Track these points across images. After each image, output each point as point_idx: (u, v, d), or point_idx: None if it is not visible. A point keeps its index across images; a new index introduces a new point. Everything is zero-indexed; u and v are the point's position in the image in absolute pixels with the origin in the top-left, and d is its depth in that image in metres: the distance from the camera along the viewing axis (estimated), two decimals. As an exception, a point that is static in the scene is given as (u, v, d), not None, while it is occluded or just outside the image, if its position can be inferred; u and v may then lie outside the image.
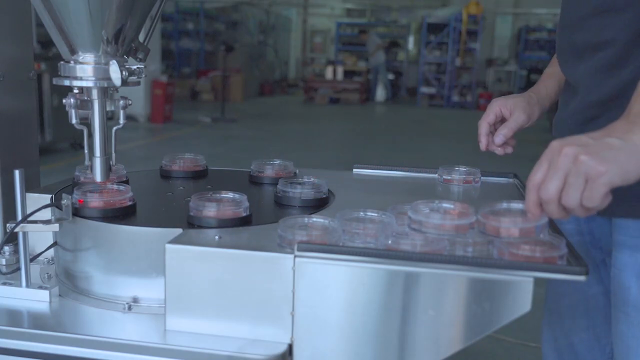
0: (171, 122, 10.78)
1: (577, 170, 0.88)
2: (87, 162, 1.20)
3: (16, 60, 1.36)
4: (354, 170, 1.63)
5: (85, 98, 1.15)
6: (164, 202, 1.36)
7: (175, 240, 1.00)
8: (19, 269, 1.14)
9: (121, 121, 1.20)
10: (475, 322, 0.93)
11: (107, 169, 1.20)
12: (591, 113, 1.26)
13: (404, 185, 1.53)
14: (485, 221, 1.00)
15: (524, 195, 0.96)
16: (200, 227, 1.08)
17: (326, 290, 0.95)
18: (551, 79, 1.49)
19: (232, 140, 9.35)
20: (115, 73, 1.09)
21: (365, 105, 15.91)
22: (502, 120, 1.43)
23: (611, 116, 1.02)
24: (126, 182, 1.37)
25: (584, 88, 1.28)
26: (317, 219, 1.05)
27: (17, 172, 1.09)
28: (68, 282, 1.15)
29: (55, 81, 1.15)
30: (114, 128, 1.19)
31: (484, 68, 17.61)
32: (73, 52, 1.13)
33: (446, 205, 1.09)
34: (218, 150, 8.16)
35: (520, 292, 0.90)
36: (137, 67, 1.13)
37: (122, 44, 1.15)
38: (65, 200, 1.10)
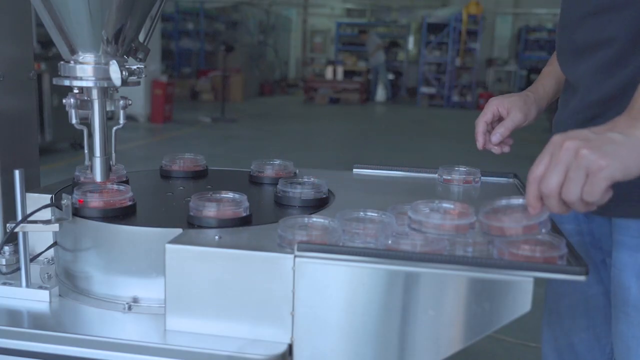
0: (171, 122, 10.78)
1: (578, 165, 0.88)
2: (87, 162, 1.20)
3: (16, 60, 1.36)
4: (354, 170, 1.63)
5: (85, 98, 1.15)
6: (164, 202, 1.36)
7: (175, 240, 1.00)
8: (19, 269, 1.14)
9: (121, 121, 1.20)
10: (475, 322, 0.93)
11: (107, 169, 1.20)
12: (591, 113, 1.26)
13: (404, 185, 1.53)
14: (487, 222, 1.00)
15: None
16: (200, 227, 1.08)
17: (326, 290, 0.95)
18: (549, 78, 1.49)
19: (232, 140, 9.36)
20: (115, 73, 1.09)
21: (365, 105, 15.91)
22: (500, 119, 1.43)
23: (611, 116, 1.02)
24: (126, 182, 1.37)
25: (584, 87, 1.28)
26: (317, 219, 1.05)
27: (17, 172, 1.09)
28: (68, 282, 1.15)
29: (55, 81, 1.15)
30: (114, 128, 1.19)
31: (484, 68, 17.62)
32: (73, 52, 1.13)
33: (446, 205, 1.09)
34: (218, 150, 8.17)
35: (520, 292, 0.90)
36: (137, 67, 1.13)
37: (122, 44, 1.15)
38: (65, 200, 1.10)
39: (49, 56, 6.77)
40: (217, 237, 1.02)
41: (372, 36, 17.50)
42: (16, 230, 1.09)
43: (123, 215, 1.14)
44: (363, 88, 16.59)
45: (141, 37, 1.22)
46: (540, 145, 0.94)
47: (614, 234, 1.29)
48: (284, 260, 0.95)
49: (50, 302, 1.12)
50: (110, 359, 0.98)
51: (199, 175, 1.53)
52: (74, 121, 1.16)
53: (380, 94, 16.83)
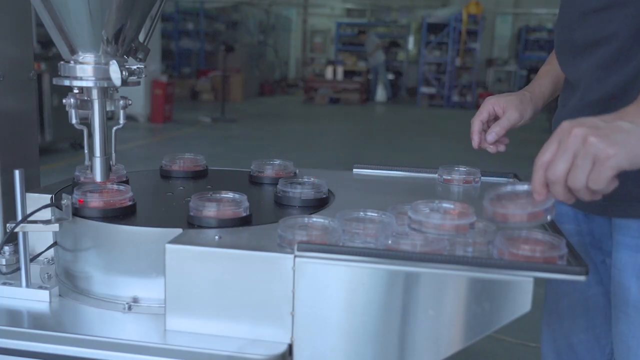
0: (171, 122, 10.78)
1: (586, 152, 0.87)
2: (87, 162, 1.20)
3: (16, 60, 1.36)
4: (354, 170, 1.63)
5: (85, 98, 1.15)
6: (164, 202, 1.36)
7: (175, 240, 1.00)
8: (19, 269, 1.14)
9: (121, 121, 1.20)
10: (475, 322, 0.93)
11: (107, 169, 1.20)
12: (591, 111, 1.26)
13: (404, 185, 1.53)
14: (491, 208, 0.99)
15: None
16: (200, 227, 1.08)
17: (326, 290, 0.95)
18: (546, 77, 1.49)
19: (232, 140, 9.36)
20: (115, 73, 1.09)
21: (365, 105, 15.91)
22: (496, 118, 1.43)
23: (611, 115, 1.02)
24: (126, 182, 1.37)
25: (584, 86, 1.28)
26: (317, 219, 1.05)
27: (17, 172, 1.09)
28: (68, 282, 1.15)
29: (55, 81, 1.15)
30: (114, 128, 1.19)
31: (484, 68, 17.62)
32: (73, 52, 1.13)
33: (446, 205, 1.08)
34: (218, 150, 8.17)
35: (520, 292, 0.90)
36: (137, 67, 1.13)
37: (122, 44, 1.15)
38: (65, 200, 1.10)
39: (49, 56, 6.77)
40: (217, 237, 1.02)
41: (371, 36, 17.49)
42: (16, 230, 1.09)
43: (123, 215, 1.14)
44: (363, 88, 16.59)
45: (141, 37, 1.22)
46: (540, 145, 0.94)
47: (614, 234, 1.29)
48: (284, 260, 0.95)
49: (50, 302, 1.12)
50: (110, 359, 0.98)
51: (199, 175, 1.53)
52: (74, 121, 1.16)
53: (380, 94, 16.82)
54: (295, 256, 0.95)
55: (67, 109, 1.15)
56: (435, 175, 1.54)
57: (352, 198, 1.34)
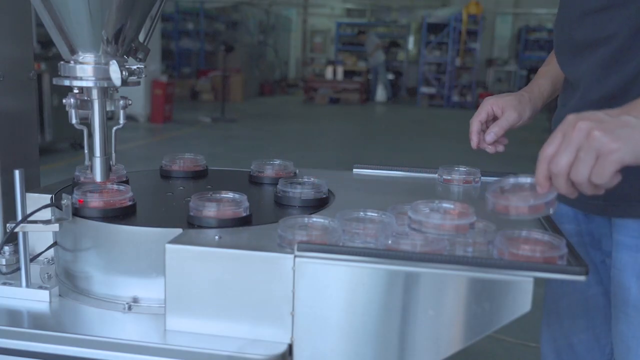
0: (171, 122, 10.78)
1: (589, 146, 0.87)
2: (87, 162, 1.20)
3: (16, 60, 1.36)
4: (354, 170, 1.63)
5: (85, 98, 1.15)
6: (164, 202, 1.36)
7: (175, 240, 1.00)
8: (19, 269, 1.13)
9: (121, 121, 1.20)
10: (475, 322, 0.93)
11: (107, 169, 1.20)
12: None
13: (404, 185, 1.53)
14: (493, 199, 0.99)
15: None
16: (200, 227, 1.08)
17: (326, 290, 0.95)
18: (545, 78, 1.49)
19: (232, 140, 9.36)
20: (115, 73, 1.09)
21: (365, 105, 15.91)
22: (494, 118, 1.43)
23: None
24: (126, 182, 1.37)
25: (584, 85, 1.28)
26: (317, 219, 1.05)
27: (17, 172, 1.09)
28: (68, 282, 1.15)
29: (55, 81, 1.15)
30: (114, 128, 1.19)
31: (484, 68, 17.62)
32: (73, 52, 1.13)
33: (446, 205, 1.08)
34: (218, 150, 8.17)
35: (520, 292, 0.90)
36: (137, 67, 1.13)
37: (122, 44, 1.15)
38: (65, 200, 1.10)
39: (49, 56, 6.77)
40: (217, 237, 1.02)
41: (370, 36, 17.49)
42: (16, 230, 1.09)
43: (123, 215, 1.14)
44: (363, 88, 16.59)
45: (141, 37, 1.22)
46: (540, 145, 0.94)
47: (614, 234, 1.29)
48: (284, 260, 0.95)
49: (50, 302, 1.12)
50: (110, 359, 0.98)
51: (199, 175, 1.53)
52: (74, 121, 1.16)
53: (380, 94, 16.83)
54: (295, 256, 0.95)
55: (67, 109, 1.15)
56: (435, 175, 1.53)
57: (352, 198, 1.34)
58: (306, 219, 1.06)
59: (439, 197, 1.18)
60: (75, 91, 1.14)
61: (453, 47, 16.03)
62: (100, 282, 1.10)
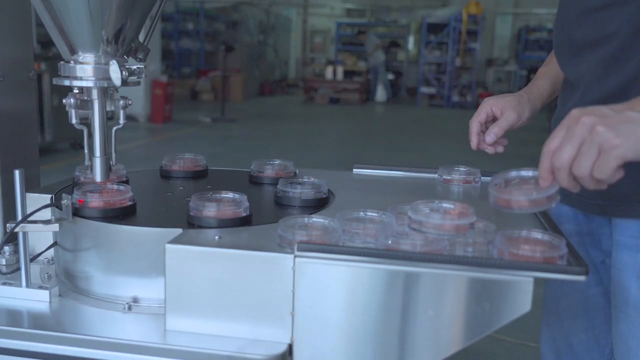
0: (171, 122, 10.78)
1: (592, 140, 0.87)
2: (87, 162, 1.20)
3: (16, 60, 1.36)
4: (354, 170, 1.63)
5: (85, 98, 1.15)
6: (164, 202, 1.36)
7: (175, 240, 1.00)
8: (19, 269, 1.13)
9: (121, 121, 1.20)
10: (475, 322, 0.93)
11: (107, 169, 1.20)
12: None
13: (404, 185, 1.53)
14: (495, 193, 0.99)
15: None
16: (200, 227, 1.08)
17: (326, 290, 0.95)
18: (544, 78, 1.49)
19: (232, 140, 9.36)
20: (115, 73, 1.09)
21: (365, 105, 15.92)
22: (494, 119, 1.43)
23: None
24: (126, 182, 1.37)
25: (584, 85, 1.28)
26: (317, 219, 1.05)
27: (17, 172, 1.09)
28: (68, 282, 1.15)
29: (55, 81, 1.15)
30: (114, 128, 1.19)
31: (484, 68, 17.63)
32: (73, 52, 1.13)
33: (446, 205, 1.08)
34: (218, 150, 8.17)
35: (520, 292, 0.90)
36: (137, 67, 1.13)
37: (122, 44, 1.15)
38: (65, 200, 1.10)
39: (49, 56, 6.77)
40: (217, 237, 1.02)
41: (370, 36, 17.50)
42: (16, 230, 1.09)
43: (123, 215, 1.14)
44: (363, 88, 16.60)
45: (141, 37, 1.22)
46: (540, 145, 0.94)
47: (614, 234, 1.29)
48: (284, 260, 0.95)
49: (50, 302, 1.12)
50: (110, 359, 0.98)
51: (199, 175, 1.53)
52: (74, 121, 1.16)
53: (380, 94, 16.83)
54: (295, 256, 0.95)
55: (67, 109, 1.15)
56: (435, 175, 1.54)
57: (352, 198, 1.34)
58: (306, 219, 1.06)
59: (439, 197, 1.17)
60: (75, 91, 1.14)
61: (453, 47, 16.03)
62: (100, 282, 1.10)
